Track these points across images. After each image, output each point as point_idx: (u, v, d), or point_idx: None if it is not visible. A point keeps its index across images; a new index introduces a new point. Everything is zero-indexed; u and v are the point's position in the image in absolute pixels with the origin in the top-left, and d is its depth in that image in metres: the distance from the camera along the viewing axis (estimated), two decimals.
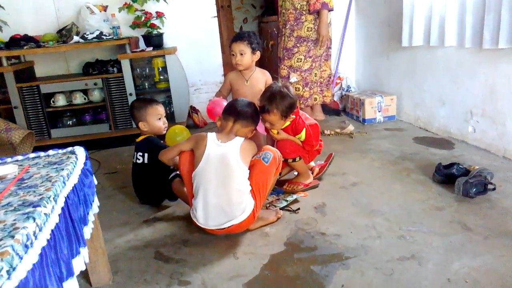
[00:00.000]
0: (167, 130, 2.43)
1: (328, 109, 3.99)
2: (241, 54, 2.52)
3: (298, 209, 2.05)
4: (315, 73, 3.59)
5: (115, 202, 2.35)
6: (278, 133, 2.20)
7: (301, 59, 3.48)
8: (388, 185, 2.27)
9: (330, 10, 3.39)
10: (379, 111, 3.54)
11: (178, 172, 2.22)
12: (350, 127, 3.31)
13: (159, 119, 2.31)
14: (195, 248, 1.78)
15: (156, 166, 2.19)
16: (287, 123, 2.18)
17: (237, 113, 1.91)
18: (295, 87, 3.52)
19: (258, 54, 2.59)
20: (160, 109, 2.33)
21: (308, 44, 3.47)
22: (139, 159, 2.25)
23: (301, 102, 3.58)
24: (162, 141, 2.34)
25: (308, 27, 3.43)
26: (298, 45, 3.46)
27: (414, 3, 3.04)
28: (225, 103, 2.19)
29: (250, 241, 1.80)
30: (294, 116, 2.17)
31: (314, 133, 2.25)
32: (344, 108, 4.01)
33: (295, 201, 2.15)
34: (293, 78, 3.49)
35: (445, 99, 3.01)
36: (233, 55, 2.55)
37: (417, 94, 3.33)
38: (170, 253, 1.75)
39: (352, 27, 4.19)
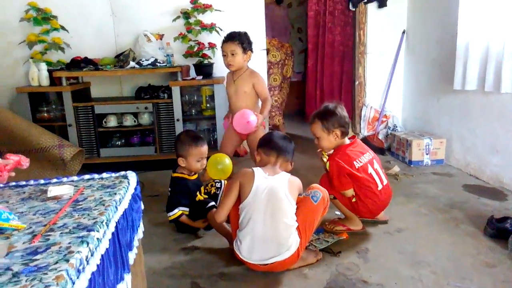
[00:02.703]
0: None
1: (373, 147, 3.90)
2: (232, 54, 2.55)
3: (339, 252, 1.98)
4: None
5: (155, 226, 2.37)
6: (326, 160, 2.20)
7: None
8: (435, 235, 2.16)
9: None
10: (427, 154, 3.42)
11: (214, 203, 2.23)
12: (396, 168, 3.21)
13: (199, 161, 2.26)
14: (232, 283, 1.75)
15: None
16: (332, 139, 2.18)
17: (279, 149, 1.94)
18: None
19: (249, 54, 2.62)
20: (203, 151, 2.26)
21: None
22: (169, 193, 2.30)
23: None
24: (188, 189, 2.30)
25: None
26: None
27: (468, 45, 2.97)
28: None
29: (288, 281, 1.75)
30: (339, 139, 2.17)
31: (337, 172, 2.12)
32: (389, 148, 3.91)
33: (336, 242, 2.08)
34: None
35: (498, 147, 2.87)
36: (225, 55, 2.57)
37: (468, 139, 3.20)
38: (207, 285, 1.74)
39: (401, 65, 4.14)
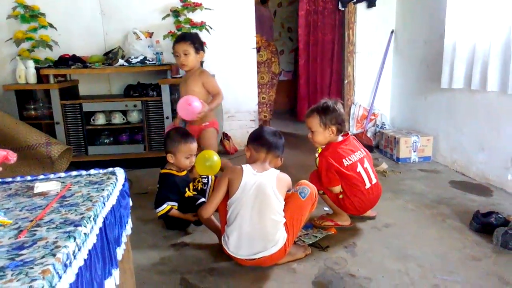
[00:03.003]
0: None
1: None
2: (185, 54, 2.56)
3: (327, 246, 2.00)
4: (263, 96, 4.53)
5: (144, 223, 2.37)
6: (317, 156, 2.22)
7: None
8: (422, 229, 2.19)
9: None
10: (414, 151, 3.46)
11: (204, 200, 2.23)
12: (384, 165, 3.25)
13: (187, 157, 2.28)
14: (221, 278, 1.76)
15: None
16: (327, 135, 2.19)
17: (269, 145, 1.93)
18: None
19: (202, 54, 2.64)
20: (193, 148, 2.29)
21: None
22: (157, 189, 2.30)
23: None
24: (177, 185, 2.31)
25: None
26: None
27: (455, 45, 3.01)
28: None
29: (277, 276, 1.77)
30: (333, 135, 2.19)
31: (325, 168, 2.15)
32: (378, 145, 3.95)
33: (325, 237, 2.10)
34: None
35: (484, 144, 2.92)
36: (177, 56, 2.58)
37: (455, 137, 3.25)
38: (196, 281, 1.74)
39: (389, 65, 4.19)
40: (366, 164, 2.24)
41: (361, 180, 2.18)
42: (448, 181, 2.98)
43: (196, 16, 3.70)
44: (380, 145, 3.87)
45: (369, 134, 4.08)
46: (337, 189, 2.17)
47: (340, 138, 2.26)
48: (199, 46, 2.61)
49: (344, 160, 2.16)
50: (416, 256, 1.90)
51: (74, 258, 0.88)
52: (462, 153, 3.16)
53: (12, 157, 1.34)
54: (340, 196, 2.20)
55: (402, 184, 2.93)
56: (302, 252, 1.92)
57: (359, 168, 2.19)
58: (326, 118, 2.18)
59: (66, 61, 3.50)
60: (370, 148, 3.92)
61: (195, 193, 2.36)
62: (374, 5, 4.01)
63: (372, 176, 2.25)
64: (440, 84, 3.19)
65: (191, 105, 2.50)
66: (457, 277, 1.72)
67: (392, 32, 4.10)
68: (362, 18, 4.11)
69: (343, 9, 4.17)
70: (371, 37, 4.14)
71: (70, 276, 0.84)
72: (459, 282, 1.68)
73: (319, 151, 2.25)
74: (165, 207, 2.20)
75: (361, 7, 4.08)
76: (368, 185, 2.19)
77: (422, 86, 3.68)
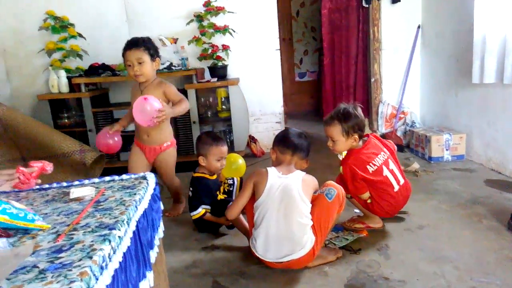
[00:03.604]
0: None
1: None
2: (139, 63, 2.23)
3: (359, 249, 1.97)
4: None
5: (176, 227, 2.40)
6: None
7: None
8: (457, 230, 2.12)
9: None
10: (446, 150, 3.36)
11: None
12: (415, 165, 3.17)
13: (219, 160, 2.30)
14: (252, 281, 1.76)
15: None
16: (349, 143, 2.11)
17: (295, 147, 1.92)
18: None
19: (158, 61, 2.33)
20: (224, 151, 2.31)
21: None
22: (190, 194, 2.34)
23: None
24: (210, 188, 2.34)
25: None
26: None
27: (485, 39, 2.91)
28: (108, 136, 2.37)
29: (308, 279, 1.75)
30: (356, 143, 2.11)
31: (351, 178, 2.08)
32: (408, 144, 3.86)
33: (356, 240, 2.07)
34: None
35: None
36: (130, 65, 2.25)
37: (489, 134, 3.13)
38: (227, 284, 1.75)
39: (417, 61, 4.09)
40: (392, 166, 2.17)
41: (389, 183, 2.13)
42: (483, 180, 2.88)
43: (219, 20, 3.73)
44: (411, 144, 3.78)
45: (399, 133, 4.00)
46: (366, 195, 2.13)
47: (360, 143, 2.17)
48: (154, 52, 2.29)
49: (368, 167, 2.10)
50: (451, 258, 1.85)
51: (110, 260, 0.91)
52: (497, 150, 3.05)
53: (48, 167, 1.40)
54: (369, 201, 2.15)
55: (435, 184, 2.84)
56: (334, 255, 1.89)
57: (385, 172, 2.13)
58: (348, 126, 2.08)
59: (96, 69, 3.60)
60: (400, 147, 3.84)
61: (225, 196, 2.38)
62: (399, 0, 3.94)
63: (400, 176, 2.19)
64: (471, 79, 3.09)
65: (148, 101, 2.17)
66: (495, 279, 1.65)
67: (418, 27, 4.01)
68: (387, 14, 4.04)
69: (367, 5, 4.10)
70: (396, 33, 4.06)
71: (106, 278, 0.86)
72: (497, 285, 1.62)
73: (343, 154, 2.21)
74: (200, 211, 2.23)
75: (385, 3, 4.01)
76: (396, 187, 2.14)
77: (452, 82, 3.57)
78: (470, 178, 2.95)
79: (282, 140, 1.97)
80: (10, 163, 3.15)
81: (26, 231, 1.03)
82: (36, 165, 1.40)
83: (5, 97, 3.69)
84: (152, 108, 2.17)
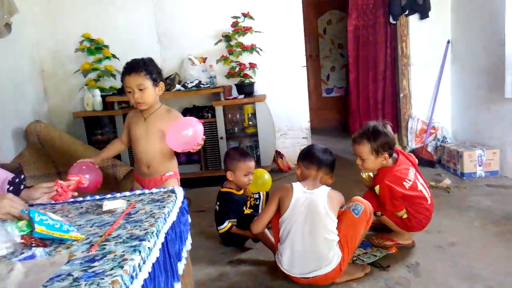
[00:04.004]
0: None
1: (421, 160, 3.78)
2: (140, 90, 1.95)
3: (388, 266, 1.93)
4: None
5: (202, 240, 2.43)
6: (368, 179, 2.16)
7: None
8: (490, 248, 2.05)
9: None
10: (479, 165, 3.26)
11: None
12: (447, 181, 3.09)
13: (246, 175, 2.34)
14: None
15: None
16: (379, 162, 2.06)
17: (319, 161, 1.93)
18: None
19: (162, 86, 2.04)
20: (251, 166, 2.35)
21: None
22: (216, 208, 2.38)
23: None
24: (237, 203, 2.36)
25: None
26: None
27: None
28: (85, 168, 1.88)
29: None
30: (386, 161, 2.06)
31: (389, 197, 2.03)
32: (439, 160, 3.77)
33: (385, 256, 2.03)
34: None
35: None
36: (130, 92, 1.97)
37: None
38: None
39: (447, 75, 4.02)
40: (420, 179, 2.15)
41: (424, 196, 2.10)
42: None
43: (246, 40, 3.81)
44: (442, 160, 3.69)
45: (429, 149, 3.91)
46: (403, 213, 2.09)
47: (390, 160, 2.12)
48: (156, 75, 2.01)
49: (404, 183, 2.06)
50: (484, 276, 1.78)
51: (140, 270, 0.94)
52: None
53: (85, 181, 1.47)
54: (404, 217, 2.09)
55: (468, 201, 2.76)
56: (361, 271, 1.86)
57: (419, 186, 2.10)
58: (377, 145, 2.03)
59: None
60: (431, 163, 3.75)
61: (252, 210, 2.40)
62: (428, 16, 3.90)
63: (427, 188, 2.17)
64: (504, 93, 3.01)
65: (194, 126, 1.94)
66: None
67: (448, 42, 3.95)
68: (415, 30, 4.01)
69: (394, 22, 4.09)
70: (425, 49, 4.01)
71: (136, 287, 0.89)
72: None
73: (366, 174, 2.18)
74: (226, 224, 2.27)
75: (413, 19, 3.99)
76: (429, 200, 2.12)
77: (484, 96, 3.49)
78: (504, 194, 2.85)
79: (307, 156, 1.98)
80: (46, 177, 3.30)
81: (61, 241, 1.08)
82: (73, 179, 1.48)
83: (43, 115, 3.88)
84: (200, 134, 1.97)
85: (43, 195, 1.46)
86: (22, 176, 1.58)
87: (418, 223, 2.10)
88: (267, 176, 2.55)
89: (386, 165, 2.10)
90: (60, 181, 1.47)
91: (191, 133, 1.93)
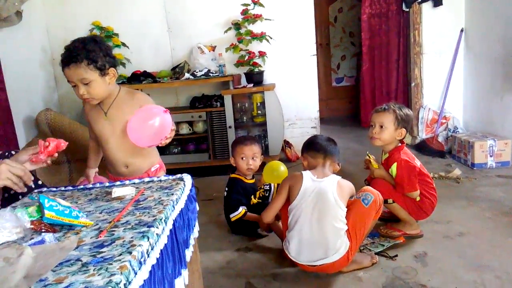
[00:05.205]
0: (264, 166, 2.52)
1: (432, 150, 3.75)
2: (86, 84, 1.58)
3: (396, 255, 1.93)
4: None
5: (210, 228, 2.45)
6: (377, 167, 2.17)
7: None
8: (500, 239, 2.04)
9: None
10: (490, 156, 3.22)
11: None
12: (457, 171, 3.06)
13: (243, 158, 2.36)
14: (285, 284, 1.77)
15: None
16: (394, 136, 2.13)
17: (325, 150, 1.94)
18: None
19: (113, 72, 1.65)
20: (246, 149, 2.35)
21: None
22: (225, 193, 2.40)
23: None
24: (245, 190, 2.38)
25: None
26: None
27: None
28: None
29: (342, 284, 1.74)
30: (400, 137, 2.15)
31: (407, 172, 2.08)
32: (450, 150, 3.73)
33: (392, 246, 2.03)
34: None
35: None
36: (74, 86, 1.61)
37: None
38: (260, 286, 1.77)
39: (460, 65, 3.95)
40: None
41: (430, 176, 2.22)
42: None
43: (256, 27, 3.78)
44: (453, 150, 3.65)
45: (440, 139, 3.87)
46: (417, 193, 2.12)
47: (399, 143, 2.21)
48: (104, 62, 1.59)
49: (416, 161, 2.17)
50: (493, 266, 1.77)
51: (148, 256, 0.95)
52: None
53: (63, 144, 1.46)
54: (418, 199, 2.13)
55: (478, 191, 2.73)
56: (369, 261, 1.87)
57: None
58: (401, 116, 2.13)
59: (138, 77, 3.75)
60: (441, 153, 3.71)
61: (260, 200, 2.41)
62: (441, 4, 3.83)
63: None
64: None
65: (168, 115, 1.63)
66: None
67: (462, 30, 3.88)
68: (428, 18, 3.94)
69: (408, 10, 4.02)
70: (438, 37, 3.94)
71: (144, 273, 0.91)
72: None
73: (373, 163, 2.19)
74: (241, 211, 2.28)
75: (426, 6, 3.91)
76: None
77: (497, 86, 3.42)
78: None
79: (312, 146, 2.00)
80: (56, 165, 3.34)
81: (70, 227, 1.10)
82: (52, 142, 1.46)
83: (53, 103, 3.91)
84: (168, 124, 1.63)
85: (30, 157, 1.43)
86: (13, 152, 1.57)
87: (430, 204, 2.15)
88: (283, 168, 2.57)
89: (397, 145, 2.18)
90: (40, 141, 1.43)
91: (158, 123, 1.59)
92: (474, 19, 3.76)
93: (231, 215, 2.30)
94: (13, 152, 1.60)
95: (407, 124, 2.16)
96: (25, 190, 1.34)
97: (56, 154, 1.44)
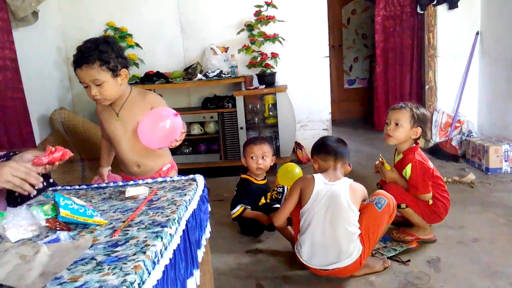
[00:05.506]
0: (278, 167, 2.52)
1: (446, 154, 3.71)
2: (98, 85, 1.60)
3: (408, 260, 1.91)
4: None
5: (221, 229, 2.45)
6: (389, 169, 2.15)
7: None
8: None
9: None
10: (505, 161, 3.17)
11: (279, 206, 2.26)
12: (471, 176, 3.02)
13: (252, 158, 2.37)
14: (296, 287, 1.76)
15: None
16: (409, 135, 2.12)
17: (336, 152, 1.92)
18: None
19: (125, 73, 1.66)
20: (255, 148, 2.37)
21: None
22: (235, 193, 2.41)
23: None
24: (252, 192, 2.38)
25: None
26: None
27: None
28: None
29: None
30: (415, 136, 2.13)
31: (422, 174, 2.06)
32: (464, 154, 3.68)
33: (405, 251, 2.00)
34: None
35: None
36: (86, 86, 1.63)
37: None
38: None
39: (475, 68, 3.90)
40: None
41: (442, 179, 2.19)
42: None
43: (269, 29, 3.78)
44: (467, 154, 3.60)
45: (454, 143, 3.82)
46: (429, 195, 2.09)
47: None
48: (116, 63, 1.61)
49: (429, 163, 2.15)
50: (507, 273, 1.74)
51: (161, 256, 0.96)
52: None
53: (67, 156, 1.44)
54: (430, 202, 2.10)
55: (492, 196, 2.69)
56: (381, 265, 1.85)
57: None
58: (417, 115, 2.11)
59: (151, 77, 3.78)
60: (455, 157, 3.67)
61: (268, 201, 2.40)
62: (457, 6, 3.78)
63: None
64: None
65: (178, 118, 1.64)
66: None
67: (477, 33, 3.83)
68: (443, 20, 3.89)
69: (422, 12, 3.98)
70: (453, 40, 3.90)
71: (157, 272, 0.91)
72: None
73: (386, 166, 2.17)
74: (239, 208, 2.30)
75: (441, 9, 3.87)
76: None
77: None
78: None
79: (323, 148, 1.97)
80: (69, 163, 3.38)
81: (85, 226, 1.11)
82: (59, 151, 1.42)
83: (67, 102, 3.96)
84: (179, 127, 1.64)
85: (34, 157, 1.40)
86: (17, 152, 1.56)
87: (444, 207, 2.12)
88: (298, 170, 2.58)
89: (411, 145, 2.17)
90: (49, 147, 1.41)
91: (168, 125, 1.60)
92: (490, 22, 3.71)
93: (232, 212, 2.35)
94: (17, 152, 1.61)
95: (423, 123, 2.14)
96: (35, 192, 1.34)
97: (57, 163, 1.41)
